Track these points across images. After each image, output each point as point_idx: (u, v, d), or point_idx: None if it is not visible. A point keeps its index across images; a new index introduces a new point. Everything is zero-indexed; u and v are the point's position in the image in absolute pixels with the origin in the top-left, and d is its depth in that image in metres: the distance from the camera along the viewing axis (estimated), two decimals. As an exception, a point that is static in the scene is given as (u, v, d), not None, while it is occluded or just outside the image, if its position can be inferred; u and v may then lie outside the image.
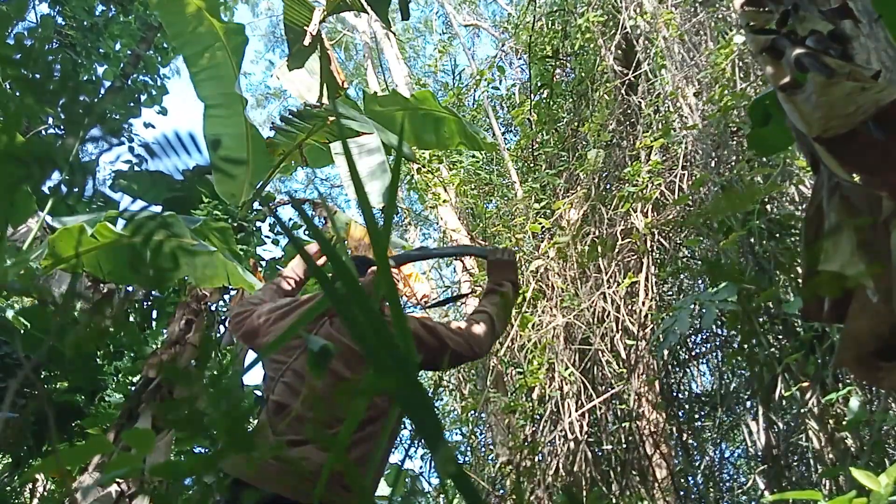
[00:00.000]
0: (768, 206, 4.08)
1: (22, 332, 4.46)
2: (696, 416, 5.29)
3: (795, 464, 3.80)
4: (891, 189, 1.09)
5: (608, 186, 5.55)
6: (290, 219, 6.96)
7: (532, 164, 6.47)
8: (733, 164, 4.38)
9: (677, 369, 5.31)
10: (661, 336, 4.07)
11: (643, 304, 4.71)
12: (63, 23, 7.97)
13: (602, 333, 4.68)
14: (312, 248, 2.31)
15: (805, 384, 3.27)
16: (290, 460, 1.50)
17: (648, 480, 4.49)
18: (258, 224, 5.49)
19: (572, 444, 4.44)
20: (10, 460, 6.03)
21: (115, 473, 0.98)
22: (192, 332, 4.35)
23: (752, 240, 3.75)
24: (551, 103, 6.56)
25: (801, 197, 3.98)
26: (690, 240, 4.78)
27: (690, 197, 4.71)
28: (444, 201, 7.19)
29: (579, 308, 4.78)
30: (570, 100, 6.54)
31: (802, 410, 3.33)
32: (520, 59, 7.92)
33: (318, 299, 1.92)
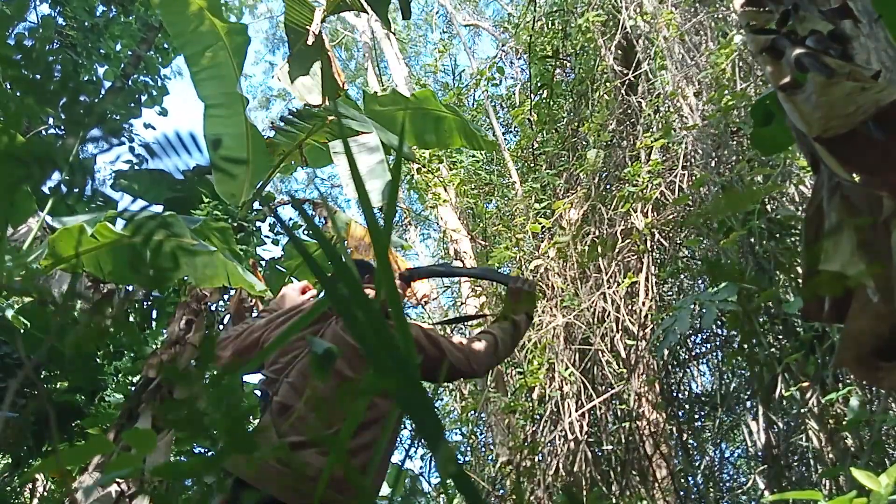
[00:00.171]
0: (768, 206, 4.08)
1: (22, 331, 4.46)
2: (696, 416, 5.29)
3: (795, 464, 3.80)
4: (891, 189, 1.09)
5: (608, 186, 5.55)
6: (290, 219, 6.97)
7: (532, 164, 6.47)
8: (733, 164, 4.38)
9: (677, 369, 5.31)
10: (661, 336, 4.07)
11: (643, 304, 4.71)
12: (64, 23, 7.97)
13: (602, 333, 4.68)
14: (297, 286, 2.27)
15: (805, 384, 3.27)
16: (291, 464, 1.50)
17: (648, 480, 4.49)
18: (258, 224, 5.49)
19: (572, 444, 4.44)
20: (10, 460, 6.03)
21: (115, 473, 0.98)
22: (192, 332, 4.35)
23: (752, 240, 3.75)
24: (551, 103, 6.56)
25: (802, 197, 3.98)
26: (690, 240, 4.78)
27: (690, 197, 4.71)
28: (445, 201, 7.19)
29: (579, 308, 4.78)
30: (570, 100, 6.54)
31: (802, 410, 3.33)
32: (520, 59, 7.92)
33: (317, 302, 1.92)
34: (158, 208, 5.12)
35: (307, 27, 4.88)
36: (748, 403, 4.63)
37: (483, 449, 5.89)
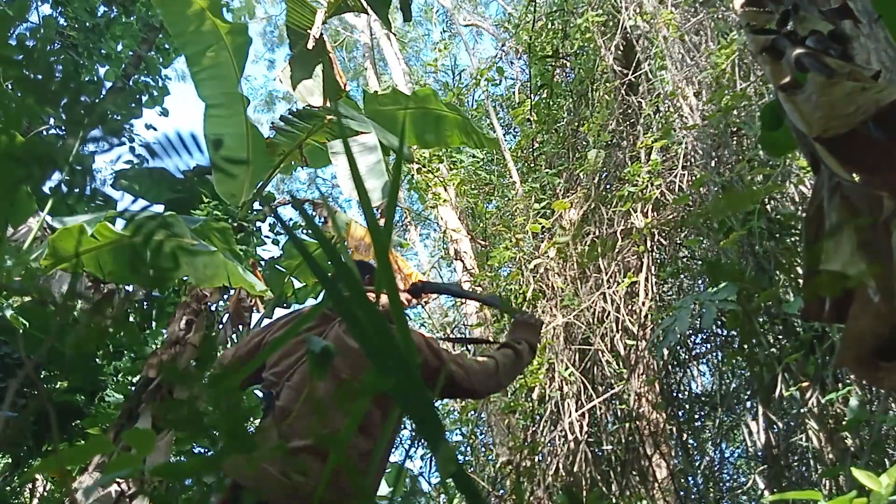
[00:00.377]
0: (768, 206, 4.07)
1: (22, 331, 4.46)
2: (696, 416, 5.29)
3: (795, 464, 3.80)
4: (891, 189, 1.09)
5: (608, 186, 5.55)
6: (290, 219, 6.96)
7: (532, 164, 6.47)
8: (733, 164, 4.38)
9: (677, 369, 5.30)
10: (660, 336, 4.07)
11: (643, 304, 4.71)
12: (65, 24, 7.97)
13: (602, 333, 4.68)
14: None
15: (805, 384, 3.27)
16: (288, 468, 1.49)
17: (648, 480, 4.49)
18: (258, 224, 5.50)
19: (572, 444, 4.44)
20: (10, 460, 6.03)
21: (115, 473, 0.98)
22: (192, 332, 4.35)
23: (752, 240, 3.75)
24: (551, 103, 6.56)
25: (802, 197, 3.98)
26: (690, 240, 4.78)
27: (690, 197, 4.71)
28: (445, 201, 7.19)
29: (579, 308, 4.78)
30: (570, 100, 6.54)
31: (802, 410, 3.33)
32: (520, 59, 7.92)
33: (316, 304, 1.93)
34: (159, 208, 5.12)
35: (308, 29, 4.88)
36: (748, 403, 4.62)
37: (483, 449, 5.89)
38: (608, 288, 4.80)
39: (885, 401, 3.15)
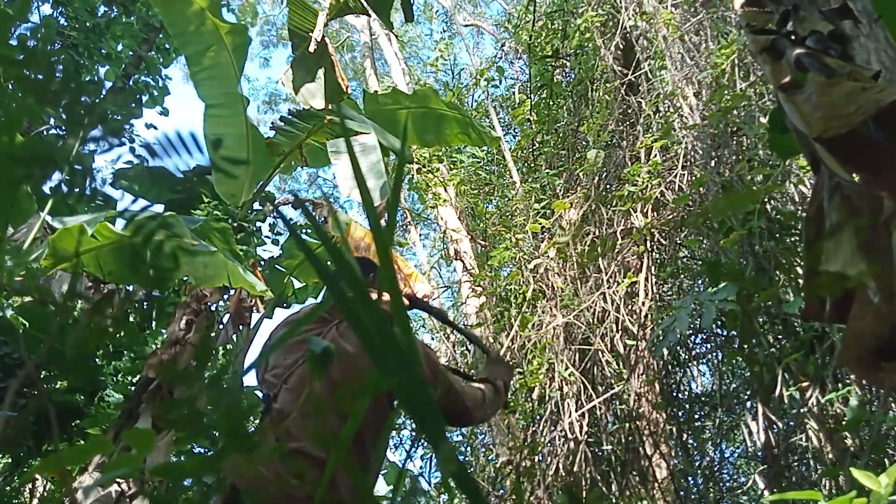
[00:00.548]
0: (768, 206, 4.08)
1: (21, 331, 4.46)
2: (696, 416, 5.29)
3: (795, 464, 3.80)
4: (891, 189, 1.09)
5: (608, 186, 5.55)
6: (291, 219, 6.96)
7: (532, 164, 6.47)
8: (733, 164, 4.38)
9: (677, 369, 5.30)
10: (660, 336, 4.07)
11: (643, 304, 4.71)
12: (65, 23, 7.97)
13: (602, 333, 4.68)
14: None
15: (805, 384, 3.27)
16: (283, 473, 1.49)
17: (648, 480, 4.49)
18: (258, 224, 5.50)
19: (572, 444, 4.44)
20: (10, 460, 6.03)
21: (115, 473, 0.98)
22: (192, 332, 4.35)
23: (752, 240, 3.75)
24: (551, 103, 6.56)
25: (802, 197, 3.98)
26: (690, 240, 4.78)
27: (690, 197, 4.72)
28: (444, 201, 7.19)
29: (579, 308, 4.78)
30: (570, 100, 6.54)
31: (802, 410, 3.33)
32: (520, 59, 7.92)
33: (315, 305, 1.93)
34: (159, 208, 5.12)
35: (310, 32, 4.88)
36: (748, 403, 4.62)
37: (483, 449, 5.89)
38: (608, 288, 4.80)
39: (885, 401, 3.15)
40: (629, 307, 4.77)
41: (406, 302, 2.28)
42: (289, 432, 1.68)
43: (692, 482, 4.90)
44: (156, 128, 8.87)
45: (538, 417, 4.70)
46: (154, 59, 8.68)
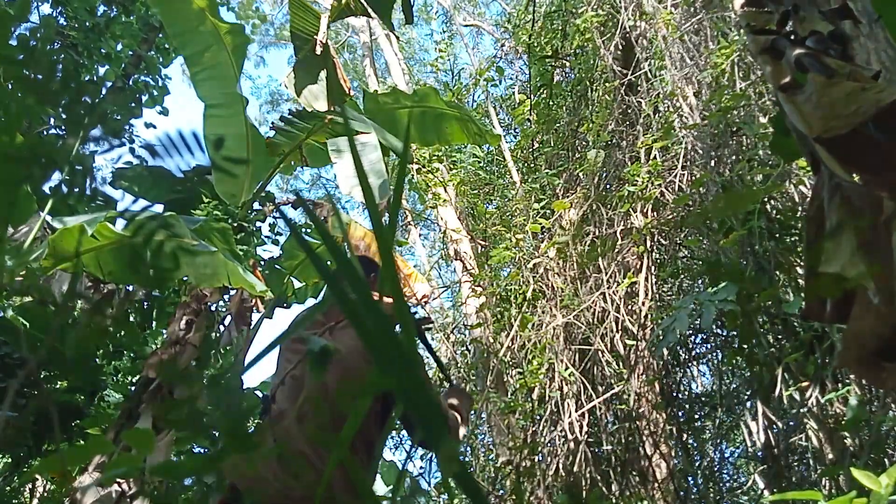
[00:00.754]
0: (768, 206, 4.08)
1: (22, 331, 4.46)
2: (696, 416, 5.29)
3: (795, 464, 3.80)
4: (891, 189, 1.09)
5: (608, 186, 5.55)
6: (291, 218, 6.96)
7: (532, 164, 6.47)
8: (733, 164, 4.38)
9: (677, 369, 5.31)
10: (660, 336, 4.07)
11: (643, 304, 4.71)
12: (65, 23, 7.97)
13: (602, 333, 4.68)
14: None
15: (805, 384, 3.27)
16: (280, 474, 1.49)
17: (648, 480, 4.49)
18: (258, 224, 5.49)
19: (572, 444, 4.44)
20: (10, 460, 6.03)
21: (115, 473, 0.98)
22: (192, 332, 4.35)
23: (752, 240, 3.75)
24: (551, 103, 6.56)
25: (802, 197, 3.98)
26: (690, 240, 4.78)
27: (690, 197, 4.72)
28: (444, 201, 7.19)
29: (579, 308, 4.78)
30: (570, 100, 6.54)
31: (802, 410, 3.33)
32: (519, 59, 7.92)
33: (312, 306, 1.92)
34: (159, 208, 5.12)
35: (313, 35, 4.87)
36: (748, 403, 4.62)
37: (483, 449, 5.89)
38: (608, 288, 4.80)
39: (885, 401, 3.15)
40: (629, 307, 4.77)
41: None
42: (285, 429, 1.68)
43: (692, 482, 4.90)
44: (155, 127, 8.87)
45: (538, 417, 4.70)
46: (154, 58, 8.68)
